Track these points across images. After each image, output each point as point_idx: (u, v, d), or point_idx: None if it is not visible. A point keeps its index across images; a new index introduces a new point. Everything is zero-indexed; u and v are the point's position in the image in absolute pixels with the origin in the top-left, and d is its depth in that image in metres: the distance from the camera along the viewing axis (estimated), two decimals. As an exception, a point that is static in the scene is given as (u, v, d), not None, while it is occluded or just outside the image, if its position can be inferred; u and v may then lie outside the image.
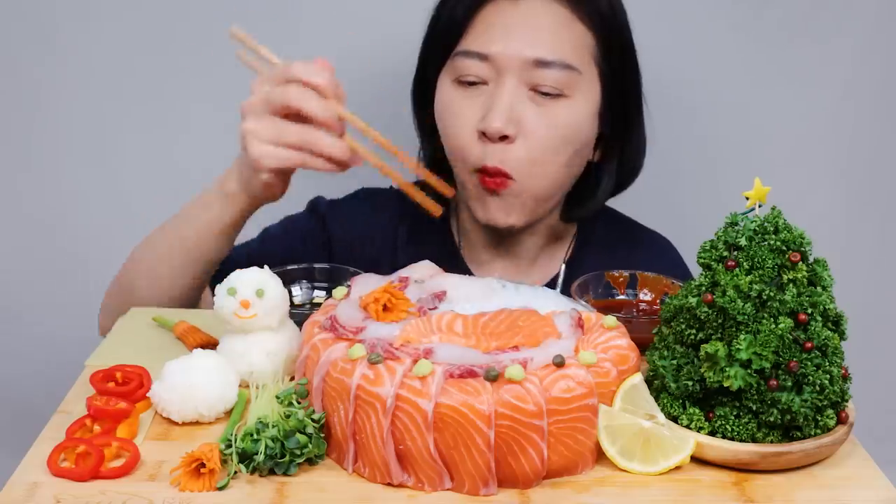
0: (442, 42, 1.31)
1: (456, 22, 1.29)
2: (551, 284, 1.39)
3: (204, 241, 1.23)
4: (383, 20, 1.63)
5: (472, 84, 1.27)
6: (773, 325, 0.90)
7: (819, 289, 0.94)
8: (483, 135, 1.25)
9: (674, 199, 1.73)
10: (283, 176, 1.17)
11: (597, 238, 1.44)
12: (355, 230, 1.43)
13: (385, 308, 0.97)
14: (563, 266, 1.32)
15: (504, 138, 1.25)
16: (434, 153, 1.38)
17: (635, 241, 1.47)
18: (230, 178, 1.20)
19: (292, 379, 1.01)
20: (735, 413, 0.92)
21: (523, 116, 1.25)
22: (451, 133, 1.30)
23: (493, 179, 1.27)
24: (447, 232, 1.44)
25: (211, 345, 1.09)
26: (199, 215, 1.23)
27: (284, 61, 1.14)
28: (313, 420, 0.91)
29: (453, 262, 1.40)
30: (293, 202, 1.37)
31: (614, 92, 1.31)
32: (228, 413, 0.98)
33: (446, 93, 1.30)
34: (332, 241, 1.42)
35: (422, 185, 1.20)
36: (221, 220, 1.22)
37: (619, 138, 1.36)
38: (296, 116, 1.12)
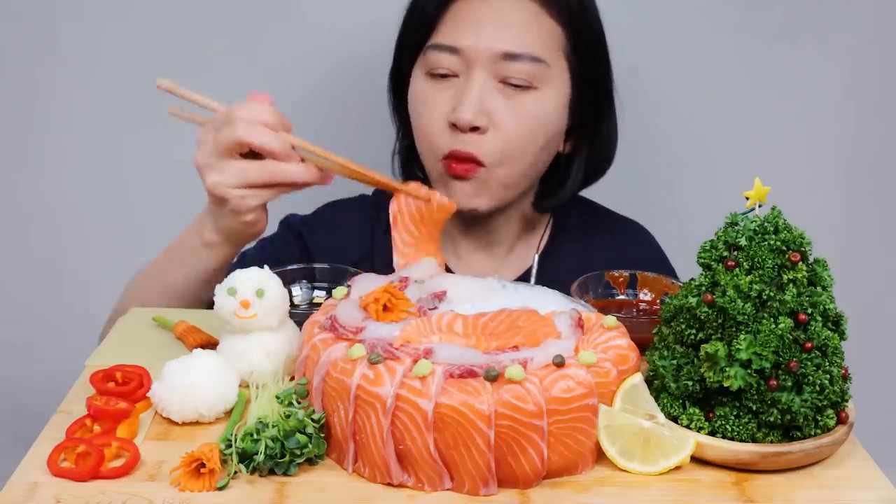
0: (415, 36, 1.33)
1: (428, 16, 1.31)
2: (527, 274, 1.41)
3: (192, 288, 1.25)
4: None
5: (443, 76, 1.30)
6: (773, 325, 0.90)
7: (819, 289, 0.94)
8: (454, 126, 1.27)
9: (673, 199, 1.73)
10: (263, 210, 1.18)
11: (572, 227, 1.46)
12: (332, 240, 1.45)
13: (385, 308, 0.97)
14: (537, 256, 1.33)
15: (475, 129, 1.27)
16: (410, 144, 1.39)
17: (610, 229, 1.48)
18: (205, 228, 1.21)
19: (292, 379, 1.01)
20: (735, 413, 0.92)
21: (493, 108, 1.27)
22: (423, 123, 1.32)
23: (460, 165, 1.29)
24: None
25: (211, 345, 1.09)
26: (183, 265, 1.24)
27: (223, 105, 1.14)
28: (313, 420, 0.91)
29: None
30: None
31: (584, 84, 1.33)
32: (228, 413, 0.98)
33: (419, 85, 1.32)
34: (313, 255, 1.44)
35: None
36: (206, 267, 1.23)
37: (590, 130, 1.38)
38: (250, 155, 1.13)
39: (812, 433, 0.93)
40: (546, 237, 1.45)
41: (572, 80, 1.32)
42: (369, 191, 1.51)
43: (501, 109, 1.27)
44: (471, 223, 1.41)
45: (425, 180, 1.39)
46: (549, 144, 1.33)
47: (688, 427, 0.94)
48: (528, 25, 1.28)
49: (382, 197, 1.50)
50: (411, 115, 1.35)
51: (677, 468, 0.92)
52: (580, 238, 1.45)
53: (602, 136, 1.39)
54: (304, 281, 1.21)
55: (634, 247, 1.45)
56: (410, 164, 1.43)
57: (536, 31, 1.28)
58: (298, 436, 0.89)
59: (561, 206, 1.44)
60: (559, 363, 0.90)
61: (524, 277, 1.41)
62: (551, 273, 1.35)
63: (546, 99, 1.29)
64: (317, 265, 1.22)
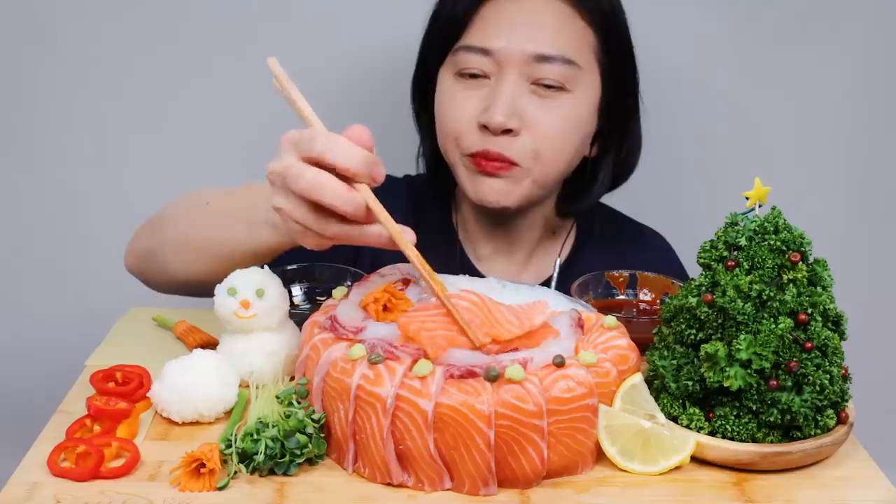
0: (443, 37, 1.32)
1: (457, 17, 1.30)
2: (549, 281, 1.40)
3: (245, 255, 1.11)
4: (381, 18, 1.64)
5: (473, 76, 1.28)
6: (773, 325, 0.90)
7: (819, 289, 0.94)
8: (484, 128, 1.26)
9: (674, 199, 1.73)
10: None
11: (595, 235, 1.45)
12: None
13: (385, 308, 0.97)
14: (557, 261, 1.33)
15: (507, 132, 1.25)
16: (434, 148, 1.38)
17: (633, 238, 1.48)
18: (266, 208, 1.01)
19: (292, 379, 1.01)
20: (735, 413, 0.92)
21: (525, 111, 1.26)
22: (450, 121, 1.30)
23: (491, 163, 1.27)
24: (449, 224, 1.45)
25: (211, 345, 1.09)
26: (244, 234, 1.10)
27: (316, 122, 0.94)
28: (313, 420, 0.91)
29: (455, 255, 1.41)
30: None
31: (613, 88, 1.33)
32: (228, 413, 0.99)
33: (447, 85, 1.31)
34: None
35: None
36: (267, 246, 1.09)
37: (617, 135, 1.37)
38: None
39: (812, 433, 0.93)
40: (569, 244, 1.45)
41: (603, 83, 1.31)
42: (397, 173, 1.49)
43: (534, 111, 1.26)
44: (493, 227, 1.40)
45: (451, 181, 1.37)
46: (580, 147, 1.33)
47: (688, 427, 0.94)
48: (560, 27, 1.27)
49: (413, 185, 1.48)
50: (437, 116, 1.34)
51: (677, 468, 0.92)
52: (604, 247, 1.44)
53: (629, 141, 1.38)
54: (304, 281, 1.21)
55: (658, 259, 1.44)
56: (436, 167, 1.42)
57: (568, 33, 1.28)
58: (298, 436, 0.89)
59: (584, 213, 1.44)
60: (559, 363, 0.90)
61: (545, 284, 1.40)
62: (575, 280, 1.34)
63: (578, 101, 1.28)
64: (317, 265, 1.22)
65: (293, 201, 0.92)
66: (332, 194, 0.90)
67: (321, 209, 0.92)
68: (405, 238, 0.94)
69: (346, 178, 0.91)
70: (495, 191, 1.29)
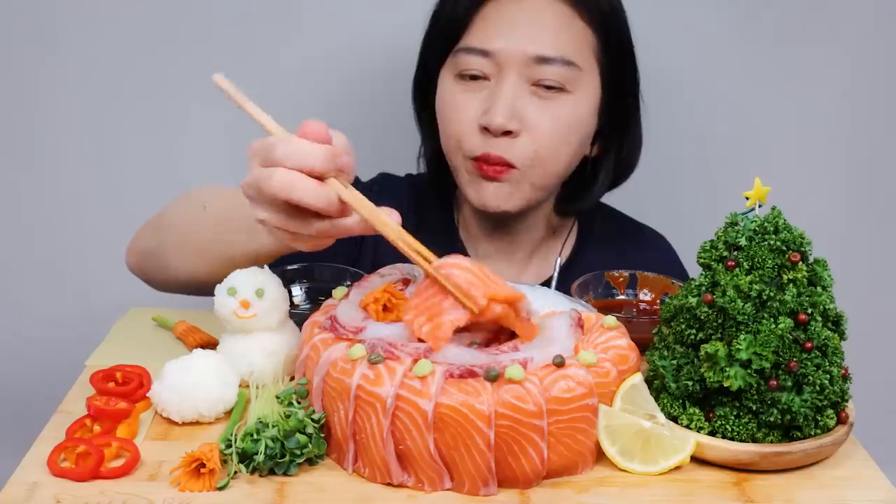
0: (443, 39, 1.32)
1: (457, 19, 1.30)
2: (549, 281, 1.40)
3: (246, 258, 1.11)
4: (382, 19, 1.64)
5: (473, 78, 1.28)
6: (773, 325, 0.90)
7: (819, 289, 0.94)
8: (485, 130, 1.26)
9: (674, 199, 1.73)
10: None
11: (595, 235, 1.45)
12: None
13: (385, 308, 0.97)
14: (558, 260, 1.33)
15: (507, 133, 1.26)
16: (435, 148, 1.38)
17: (633, 238, 1.48)
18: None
19: (292, 379, 1.01)
20: (735, 413, 0.92)
21: (525, 112, 1.26)
22: (452, 125, 1.30)
23: (492, 167, 1.27)
24: (450, 224, 1.45)
25: (211, 345, 1.09)
26: (244, 238, 1.10)
27: (274, 128, 0.95)
28: (313, 420, 0.91)
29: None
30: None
31: (614, 89, 1.33)
32: (228, 413, 0.99)
33: (447, 87, 1.31)
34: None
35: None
36: (268, 250, 1.09)
37: (617, 135, 1.37)
38: None
39: (812, 433, 0.93)
40: (570, 244, 1.45)
41: (603, 84, 1.32)
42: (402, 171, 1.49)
43: (534, 113, 1.26)
44: (494, 227, 1.40)
45: (452, 181, 1.37)
46: (580, 148, 1.33)
47: (688, 427, 0.94)
48: (561, 28, 1.27)
49: (415, 185, 1.48)
50: (439, 118, 1.34)
51: (677, 468, 0.92)
52: (605, 248, 1.44)
53: (629, 141, 1.39)
54: (304, 281, 1.21)
55: (658, 259, 1.44)
56: (437, 167, 1.42)
57: (568, 34, 1.28)
58: (298, 436, 0.89)
59: (585, 213, 1.44)
60: (559, 363, 0.90)
61: (546, 284, 1.40)
62: (575, 280, 1.34)
63: (578, 102, 1.29)
64: (317, 265, 1.22)
65: (270, 209, 0.93)
66: (304, 192, 0.90)
67: (298, 210, 0.92)
68: (384, 219, 0.93)
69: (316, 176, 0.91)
70: (495, 195, 1.29)
